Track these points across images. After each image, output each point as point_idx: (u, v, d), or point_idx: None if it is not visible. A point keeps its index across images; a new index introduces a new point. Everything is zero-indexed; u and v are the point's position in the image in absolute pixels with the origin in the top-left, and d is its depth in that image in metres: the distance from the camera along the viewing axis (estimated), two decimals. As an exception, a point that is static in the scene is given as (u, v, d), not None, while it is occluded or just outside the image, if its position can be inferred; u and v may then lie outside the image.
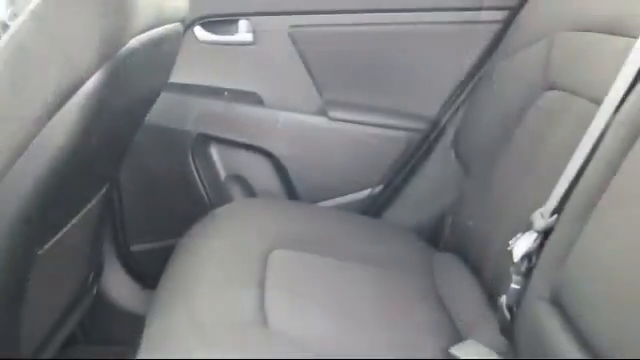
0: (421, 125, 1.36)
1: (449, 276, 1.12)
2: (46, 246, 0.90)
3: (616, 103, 0.76)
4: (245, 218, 1.21)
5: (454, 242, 1.20)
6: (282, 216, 1.23)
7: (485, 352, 0.88)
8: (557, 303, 0.71)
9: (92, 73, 0.74)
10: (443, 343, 0.92)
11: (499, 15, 1.29)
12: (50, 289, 1.02)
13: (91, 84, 0.74)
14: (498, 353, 0.87)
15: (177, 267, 1.06)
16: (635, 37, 0.79)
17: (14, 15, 1.16)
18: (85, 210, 1.03)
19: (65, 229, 0.96)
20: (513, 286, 0.83)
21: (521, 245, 0.84)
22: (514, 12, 1.25)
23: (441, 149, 1.36)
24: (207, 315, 0.89)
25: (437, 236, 1.29)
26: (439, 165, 1.36)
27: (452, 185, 1.27)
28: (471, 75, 1.33)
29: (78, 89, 0.74)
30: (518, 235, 0.84)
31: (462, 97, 1.34)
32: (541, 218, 0.82)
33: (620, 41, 0.86)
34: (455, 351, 0.89)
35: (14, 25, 0.77)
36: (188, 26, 1.30)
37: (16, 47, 0.75)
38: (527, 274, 0.81)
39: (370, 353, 0.88)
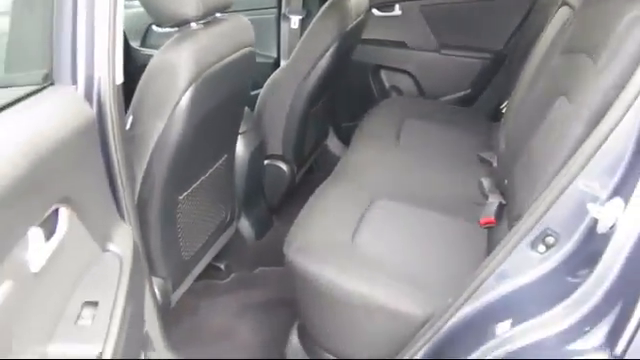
0: (491, 55, 2.46)
1: (496, 134, 2.25)
2: (313, 108, 2.23)
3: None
4: (395, 106, 2.43)
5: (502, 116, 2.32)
6: (414, 105, 2.44)
7: (491, 155, 2.03)
8: (505, 129, 1.86)
9: (329, 47, 2.01)
10: (478, 150, 2.07)
11: (533, -6, 2.32)
12: (314, 132, 2.35)
13: (332, 49, 2.02)
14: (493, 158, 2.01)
15: (362, 131, 2.27)
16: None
17: (292, 10, 2.47)
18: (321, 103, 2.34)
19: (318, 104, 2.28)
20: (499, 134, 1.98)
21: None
22: (541, -8, 2.27)
23: (503, 69, 2.44)
24: (368, 142, 2.14)
25: (497, 115, 2.41)
26: (501, 78, 2.44)
27: (508, 87, 2.36)
28: (518, 28, 2.38)
29: (326, 52, 2.01)
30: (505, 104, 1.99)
31: (513, 40, 2.40)
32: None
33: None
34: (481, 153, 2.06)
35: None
36: (368, 8, 2.51)
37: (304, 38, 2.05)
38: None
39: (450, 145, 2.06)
